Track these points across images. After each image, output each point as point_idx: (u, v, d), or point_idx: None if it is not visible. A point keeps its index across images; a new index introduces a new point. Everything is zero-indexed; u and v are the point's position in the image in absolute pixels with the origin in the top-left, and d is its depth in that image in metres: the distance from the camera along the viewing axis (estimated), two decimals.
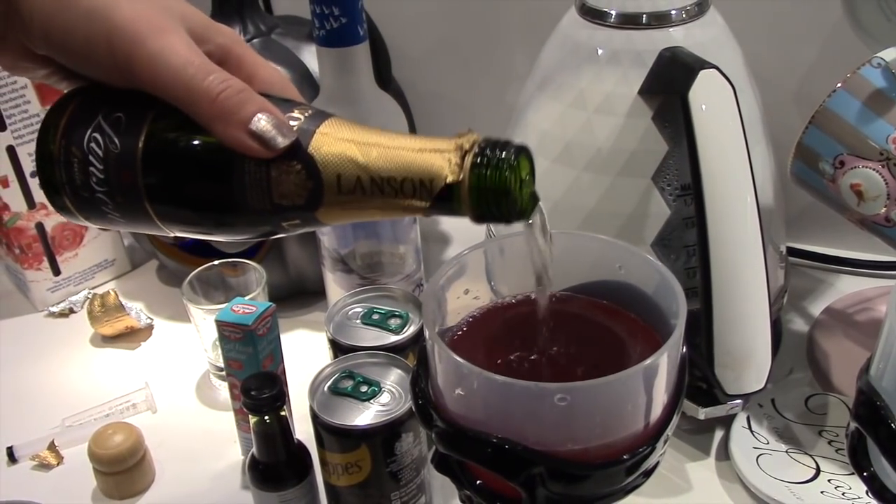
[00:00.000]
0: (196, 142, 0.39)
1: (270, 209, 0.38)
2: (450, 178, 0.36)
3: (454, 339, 0.45)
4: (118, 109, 0.40)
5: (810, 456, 0.60)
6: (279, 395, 0.53)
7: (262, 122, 0.37)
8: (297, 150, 0.37)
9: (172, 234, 0.42)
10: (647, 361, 0.38)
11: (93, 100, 0.41)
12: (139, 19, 0.38)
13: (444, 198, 0.36)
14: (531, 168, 0.38)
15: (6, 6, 0.39)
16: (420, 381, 0.42)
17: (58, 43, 0.39)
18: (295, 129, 0.38)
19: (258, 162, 0.38)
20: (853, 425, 0.41)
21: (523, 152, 0.37)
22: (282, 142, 0.37)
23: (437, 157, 0.36)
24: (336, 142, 0.37)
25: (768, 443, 0.61)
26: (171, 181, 0.39)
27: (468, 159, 0.36)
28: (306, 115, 0.39)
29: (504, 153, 0.36)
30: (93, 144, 0.40)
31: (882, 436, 0.38)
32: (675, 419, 0.42)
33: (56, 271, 0.81)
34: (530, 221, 0.39)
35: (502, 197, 0.36)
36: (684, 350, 0.42)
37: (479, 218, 0.37)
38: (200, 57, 0.38)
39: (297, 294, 0.78)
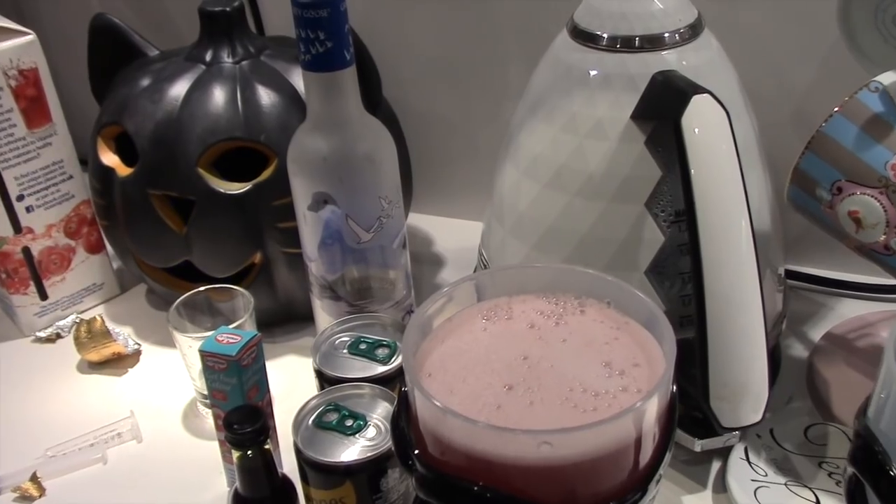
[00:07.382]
0: None
1: None
2: None
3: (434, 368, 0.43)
4: None
5: (810, 489, 0.58)
6: (262, 430, 0.52)
7: None
8: None
9: None
10: (636, 405, 0.37)
11: None
12: None
13: None
14: None
15: None
16: (401, 420, 0.41)
17: None
18: None
19: None
20: (850, 470, 0.39)
21: None
22: None
23: None
24: None
25: (767, 475, 0.59)
26: None
27: None
28: None
29: None
30: None
31: (882, 486, 0.36)
32: (667, 458, 0.41)
33: (43, 296, 0.80)
34: None
35: None
36: (674, 388, 0.40)
37: None
38: None
39: (287, 319, 0.77)
